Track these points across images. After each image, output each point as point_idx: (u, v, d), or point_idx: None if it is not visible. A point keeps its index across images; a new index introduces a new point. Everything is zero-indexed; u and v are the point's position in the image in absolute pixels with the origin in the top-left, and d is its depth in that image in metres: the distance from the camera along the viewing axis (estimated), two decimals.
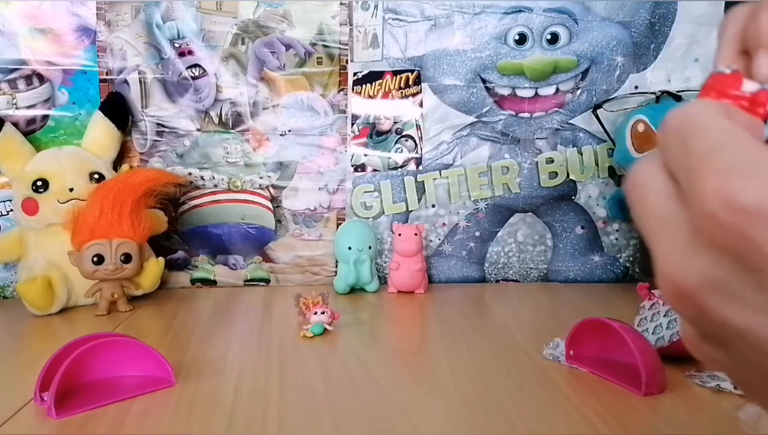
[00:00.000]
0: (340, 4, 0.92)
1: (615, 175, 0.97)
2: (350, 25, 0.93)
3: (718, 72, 0.24)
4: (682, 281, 0.20)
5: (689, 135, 0.20)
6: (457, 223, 0.98)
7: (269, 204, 0.96)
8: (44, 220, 0.83)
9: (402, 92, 0.94)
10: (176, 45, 0.91)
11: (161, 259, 0.87)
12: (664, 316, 0.60)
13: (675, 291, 0.20)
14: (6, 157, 0.84)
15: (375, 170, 0.96)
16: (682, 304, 0.21)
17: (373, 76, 0.94)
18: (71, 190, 0.83)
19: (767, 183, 0.18)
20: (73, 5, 0.89)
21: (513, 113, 0.95)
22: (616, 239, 0.99)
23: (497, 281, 1.00)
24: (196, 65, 0.92)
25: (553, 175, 0.97)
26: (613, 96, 0.94)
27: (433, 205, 0.97)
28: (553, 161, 0.97)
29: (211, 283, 0.97)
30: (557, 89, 0.95)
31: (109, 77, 0.91)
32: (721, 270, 0.19)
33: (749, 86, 0.24)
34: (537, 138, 0.96)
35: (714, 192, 0.18)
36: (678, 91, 0.87)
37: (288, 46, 0.92)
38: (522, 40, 0.93)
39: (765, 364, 0.20)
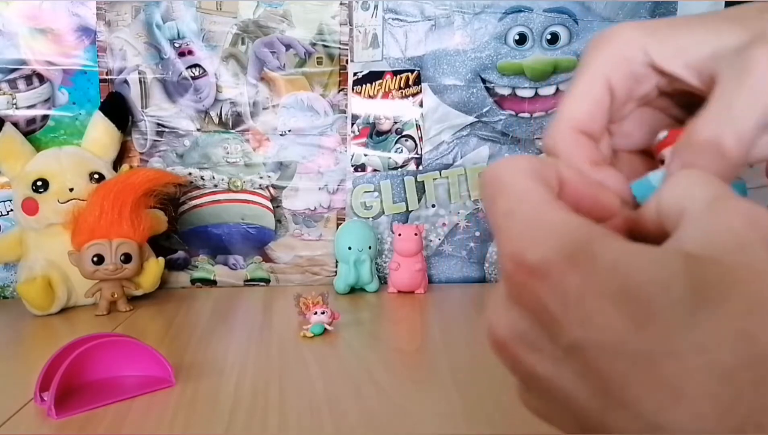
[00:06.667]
0: (340, 4, 0.92)
1: None
2: (350, 25, 0.93)
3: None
4: (498, 333, 0.22)
5: (494, 195, 0.23)
6: (457, 223, 0.98)
7: (269, 204, 0.96)
8: (44, 220, 0.83)
9: (402, 92, 0.94)
10: (176, 45, 0.91)
11: (161, 259, 0.87)
12: None
13: (494, 341, 0.23)
14: (6, 157, 0.84)
15: (375, 170, 0.96)
16: (501, 354, 0.23)
17: (373, 76, 0.94)
18: (71, 190, 0.83)
19: (549, 245, 0.19)
20: (73, 5, 0.89)
21: (513, 113, 0.95)
22: None
23: (497, 281, 0.99)
24: (196, 65, 0.92)
25: None
26: None
27: (433, 205, 0.97)
28: None
29: (211, 283, 0.97)
30: (557, 89, 0.95)
31: (109, 77, 0.91)
32: (524, 324, 0.21)
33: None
34: (537, 138, 0.96)
35: (507, 254, 0.21)
36: None
37: (288, 46, 0.92)
38: (522, 40, 0.93)
39: (575, 412, 0.20)
